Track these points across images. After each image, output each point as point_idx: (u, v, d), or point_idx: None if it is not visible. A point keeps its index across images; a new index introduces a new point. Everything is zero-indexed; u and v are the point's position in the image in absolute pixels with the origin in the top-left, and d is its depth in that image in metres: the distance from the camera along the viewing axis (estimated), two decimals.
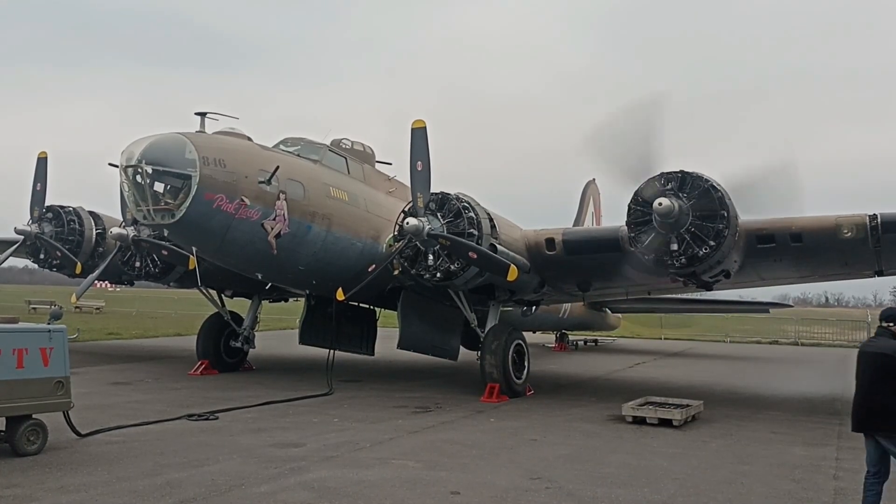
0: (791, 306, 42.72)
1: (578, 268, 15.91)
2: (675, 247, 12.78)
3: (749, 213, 13.08)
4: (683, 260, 12.79)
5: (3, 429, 9.06)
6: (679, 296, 25.45)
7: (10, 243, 20.34)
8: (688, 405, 13.11)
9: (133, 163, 12.68)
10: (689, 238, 12.67)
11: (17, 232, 19.24)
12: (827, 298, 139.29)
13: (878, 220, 13.36)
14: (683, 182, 12.79)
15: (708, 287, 14.65)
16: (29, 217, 19.31)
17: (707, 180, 12.75)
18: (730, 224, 12.65)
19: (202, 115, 13.91)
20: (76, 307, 40.70)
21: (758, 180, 12.72)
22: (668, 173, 12.90)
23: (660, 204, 12.48)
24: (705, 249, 12.65)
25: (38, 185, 19.06)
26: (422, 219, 13.97)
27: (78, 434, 9.90)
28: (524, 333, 16.76)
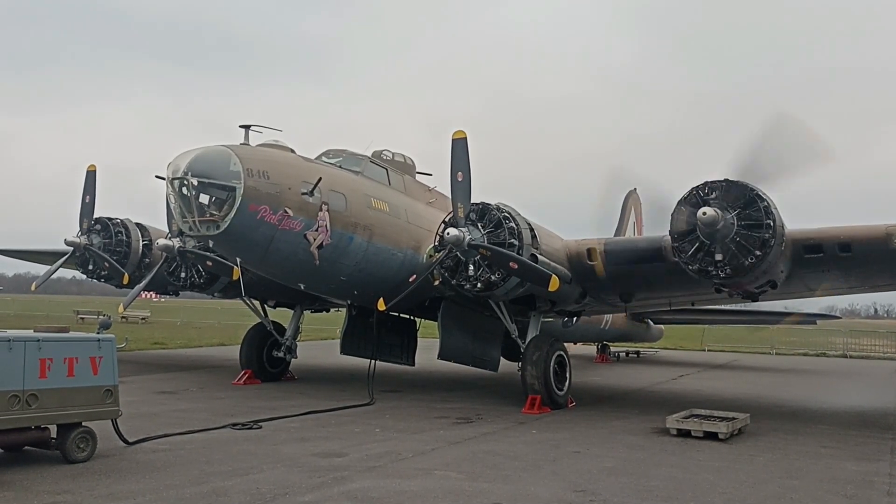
0: (839, 318, 41.78)
1: (620, 278, 15.76)
2: (719, 257, 12.58)
3: (770, 180, 12.73)
4: (728, 270, 12.58)
5: (54, 436, 9.25)
6: (724, 307, 25.06)
7: (59, 254, 20.83)
8: (734, 418, 12.87)
9: (179, 175, 12.90)
10: (734, 248, 12.46)
11: (67, 243, 19.67)
12: (876, 310, 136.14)
13: None
14: (728, 191, 12.60)
15: (754, 298, 14.40)
16: (78, 229, 19.76)
17: (752, 189, 12.53)
18: (776, 233, 12.42)
19: (246, 127, 14.11)
20: (122, 317, 41.60)
21: (761, 150, 12.51)
22: (711, 182, 12.73)
23: (704, 213, 12.31)
24: (751, 259, 12.43)
25: (87, 197, 19.48)
26: (462, 229, 13.96)
27: (126, 442, 10.07)
28: (565, 345, 16.65)
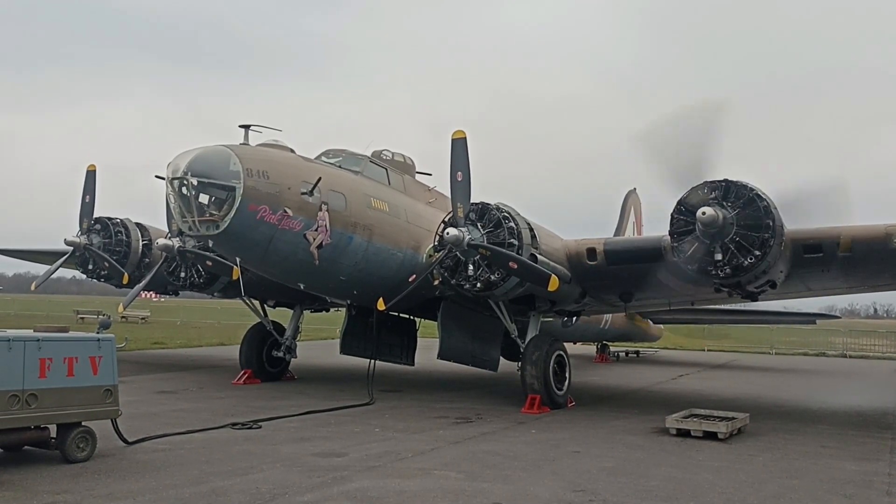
0: (838, 317, 41.78)
1: (620, 278, 15.76)
2: (719, 257, 12.58)
3: (801, 221, 12.83)
4: (728, 270, 12.58)
5: (54, 436, 9.25)
6: (723, 307, 25.07)
7: (59, 254, 20.83)
8: (733, 418, 12.88)
9: (179, 175, 12.90)
10: (733, 248, 12.46)
11: (67, 243, 19.67)
12: (876, 309, 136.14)
13: None
14: (728, 191, 12.60)
15: (753, 298, 14.39)
16: (78, 228, 19.76)
17: (752, 189, 12.54)
18: (775, 233, 12.42)
19: (246, 127, 14.11)
20: (122, 317, 41.60)
21: (807, 198, 12.52)
22: (711, 182, 12.73)
23: (703, 213, 12.31)
24: (750, 259, 12.43)
25: (87, 197, 19.48)
26: (462, 229, 13.96)
27: (125, 441, 10.07)
28: (565, 344, 16.65)
